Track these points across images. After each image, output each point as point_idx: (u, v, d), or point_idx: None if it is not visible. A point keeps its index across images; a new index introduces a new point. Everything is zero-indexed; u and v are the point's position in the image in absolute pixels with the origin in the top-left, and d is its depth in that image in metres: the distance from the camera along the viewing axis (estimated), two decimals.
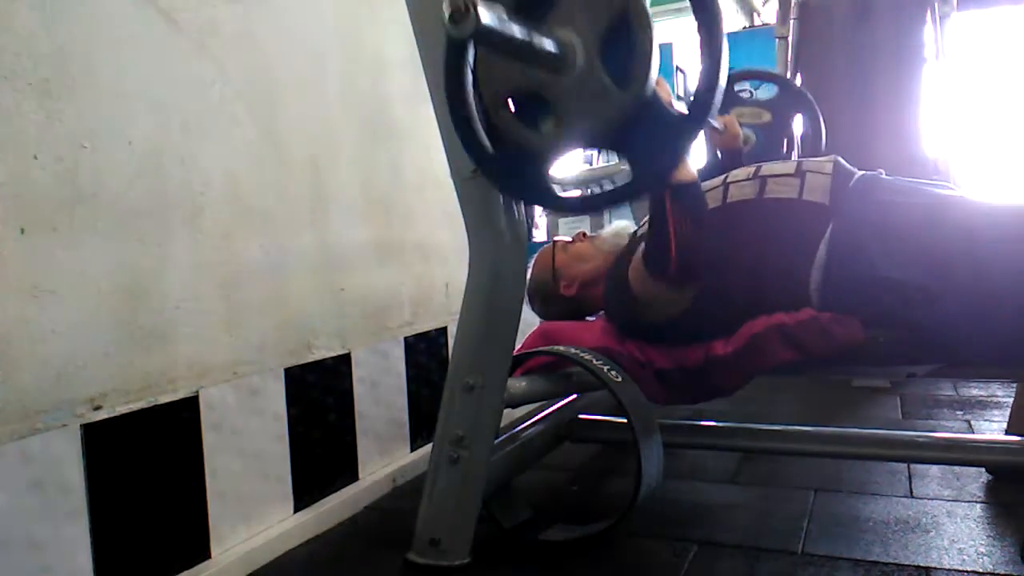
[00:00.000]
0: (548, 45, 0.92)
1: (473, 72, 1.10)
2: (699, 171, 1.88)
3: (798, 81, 3.30)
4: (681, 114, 0.95)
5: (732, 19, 8.55)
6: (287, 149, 1.51)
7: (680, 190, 1.31)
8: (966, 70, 3.97)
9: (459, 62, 1.09)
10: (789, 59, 3.32)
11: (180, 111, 1.27)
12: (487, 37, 0.84)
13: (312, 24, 1.60)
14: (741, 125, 2.12)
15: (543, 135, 1.00)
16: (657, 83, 1.35)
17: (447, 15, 0.78)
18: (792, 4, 3.32)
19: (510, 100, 1.02)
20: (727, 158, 1.96)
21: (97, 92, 1.13)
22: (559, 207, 1.12)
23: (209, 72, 1.34)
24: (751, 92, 2.36)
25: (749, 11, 9.02)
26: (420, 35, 1.28)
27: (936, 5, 3.13)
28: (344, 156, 1.68)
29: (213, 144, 1.34)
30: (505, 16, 0.85)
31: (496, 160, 1.08)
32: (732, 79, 2.29)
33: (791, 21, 3.33)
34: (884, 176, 1.43)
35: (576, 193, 1.09)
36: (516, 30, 0.87)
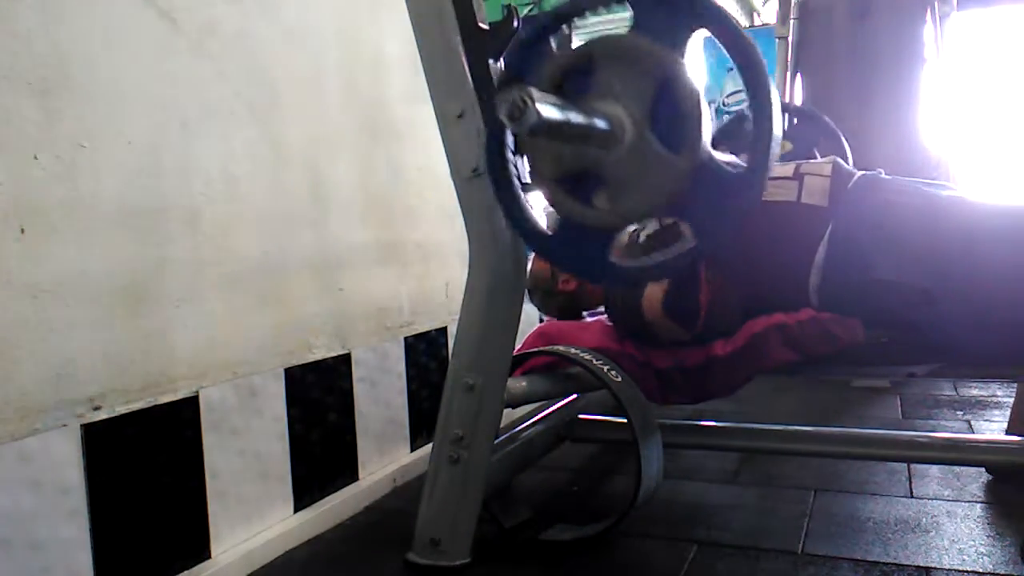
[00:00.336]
0: (600, 123, 0.91)
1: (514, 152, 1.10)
2: None
3: (798, 81, 3.30)
4: (740, 173, 0.93)
5: None
6: (287, 149, 1.51)
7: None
8: (966, 70, 3.97)
9: (500, 149, 1.09)
10: (789, 59, 3.32)
11: (180, 111, 1.27)
12: (546, 128, 0.84)
13: (312, 24, 1.60)
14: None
15: (598, 210, 0.98)
16: None
17: (505, 114, 0.78)
18: (792, 4, 3.32)
19: (563, 181, 1.01)
20: None
21: (97, 92, 1.13)
22: (622, 280, 1.11)
23: (208, 72, 1.34)
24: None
25: (749, 11, 9.02)
26: (420, 35, 1.28)
27: (936, 5, 3.13)
28: (344, 156, 1.68)
29: (213, 144, 1.34)
30: (559, 102, 0.85)
31: (553, 240, 1.07)
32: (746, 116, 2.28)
33: (791, 21, 3.33)
34: (883, 176, 1.43)
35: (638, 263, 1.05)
36: (571, 115, 0.86)
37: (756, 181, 0.93)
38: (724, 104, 5.05)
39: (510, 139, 1.12)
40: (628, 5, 0.98)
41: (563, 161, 0.99)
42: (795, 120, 2.34)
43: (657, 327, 1.43)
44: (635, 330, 1.48)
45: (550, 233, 1.08)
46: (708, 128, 0.92)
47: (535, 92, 0.79)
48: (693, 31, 0.94)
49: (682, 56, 0.93)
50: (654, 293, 1.40)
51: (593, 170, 0.98)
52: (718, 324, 1.36)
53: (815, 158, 2.32)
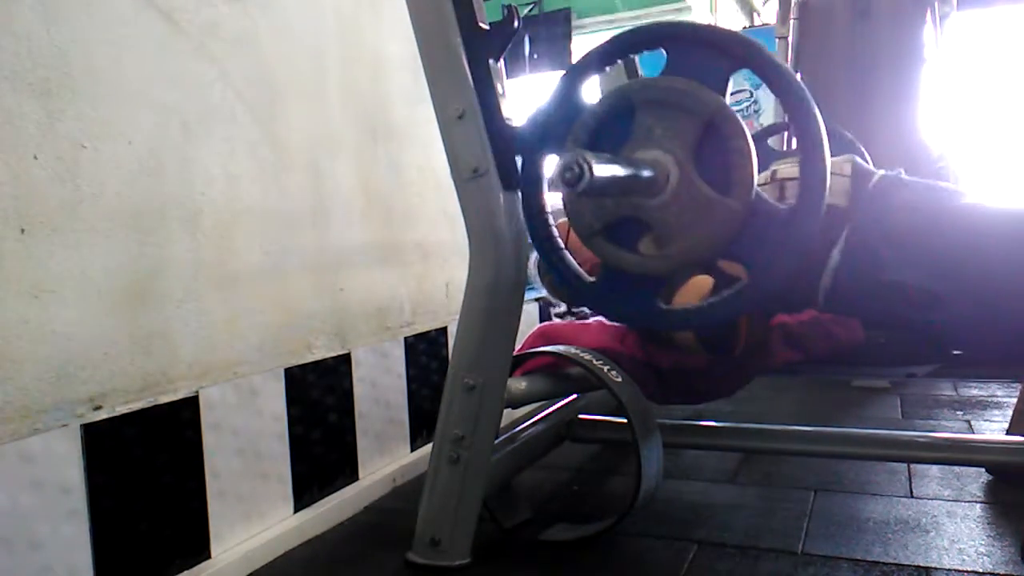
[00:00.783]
0: (645, 173, 0.90)
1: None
2: None
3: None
4: (791, 210, 0.92)
5: (732, 19, 8.56)
6: (287, 149, 1.51)
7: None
8: (966, 70, 3.97)
9: (540, 210, 1.08)
10: (789, 59, 3.32)
11: (180, 111, 1.27)
12: (599, 189, 0.84)
13: (312, 24, 1.60)
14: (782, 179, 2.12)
15: (644, 256, 0.98)
16: None
17: (563, 179, 0.77)
18: (792, 4, 3.32)
19: (606, 231, 1.00)
20: None
21: (97, 92, 1.13)
22: (672, 325, 1.09)
23: (209, 72, 1.34)
24: (751, 92, 2.37)
25: (749, 11, 9.02)
26: (420, 35, 1.28)
27: (936, 5, 3.13)
28: (344, 156, 1.68)
29: (213, 144, 1.34)
30: (610, 159, 0.84)
31: (597, 289, 1.05)
32: (765, 135, 2.27)
33: (791, 21, 3.32)
34: (904, 176, 1.41)
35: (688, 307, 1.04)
36: (620, 171, 0.86)
37: (807, 221, 0.91)
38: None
39: (545, 196, 1.10)
40: (663, 49, 0.96)
41: (606, 211, 0.98)
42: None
43: (683, 345, 1.42)
44: (653, 335, 1.48)
45: (596, 283, 1.06)
46: (756, 169, 0.91)
47: (591, 156, 0.78)
48: (734, 70, 0.93)
49: (724, 95, 0.92)
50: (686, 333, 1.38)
51: (636, 216, 0.96)
52: (754, 352, 1.34)
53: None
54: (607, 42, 1.03)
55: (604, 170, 0.82)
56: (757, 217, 0.92)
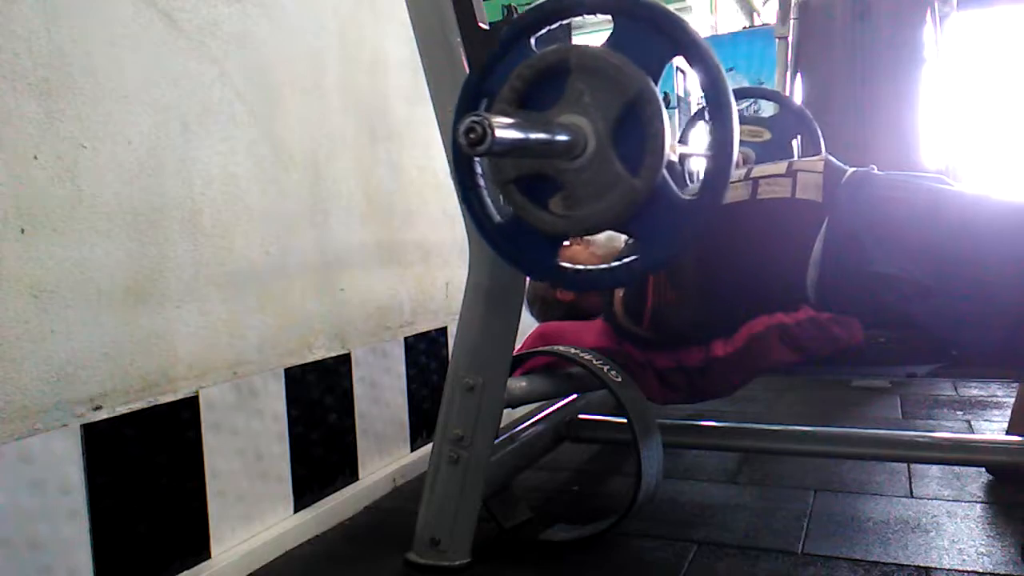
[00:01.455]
0: (561, 138, 0.93)
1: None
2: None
3: (798, 81, 3.30)
4: (691, 200, 0.95)
5: (732, 19, 8.56)
6: (287, 149, 1.51)
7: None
8: (966, 70, 3.97)
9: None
10: (789, 59, 3.32)
11: (180, 111, 1.27)
12: (502, 151, 0.85)
13: (312, 24, 1.60)
14: (741, 143, 2.14)
15: (553, 215, 1.00)
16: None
17: (464, 139, 0.78)
18: (792, 4, 3.32)
19: (520, 181, 1.02)
20: None
21: (97, 92, 1.13)
22: (563, 284, 1.13)
23: (209, 72, 1.34)
24: (756, 104, 2.38)
25: (749, 11, 9.03)
26: (420, 35, 1.28)
27: (936, 5, 3.13)
28: (344, 156, 1.68)
29: (213, 144, 1.34)
30: (520, 122, 0.86)
31: (503, 231, 1.08)
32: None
33: (791, 21, 3.33)
34: (876, 172, 1.44)
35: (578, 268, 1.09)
36: (531, 135, 0.87)
37: (702, 215, 0.95)
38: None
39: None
40: (612, 18, 0.98)
41: (524, 163, 1.01)
42: (777, 108, 2.34)
43: (624, 327, 1.45)
44: (623, 332, 1.50)
45: (503, 226, 1.09)
46: (667, 157, 0.94)
47: (495, 119, 0.79)
48: (670, 58, 0.95)
49: (655, 81, 0.94)
50: (618, 293, 1.44)
51: (552, 175, 0.99)
52: (662, 326, 1.38)
53: (792, 152, 2.34)
54: (551, 2, 1.04)
55: (508, 133, 0.83)
56: (659, 201, 0.96)
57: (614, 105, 0.94)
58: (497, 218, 1.09)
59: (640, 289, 1.34)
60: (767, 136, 2.27)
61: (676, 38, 0.94)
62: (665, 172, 0.95)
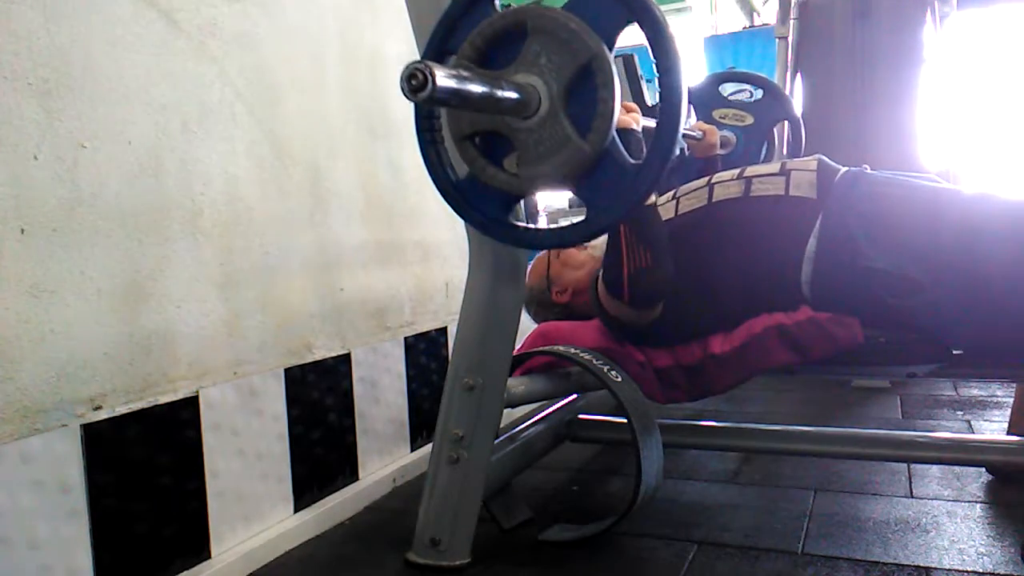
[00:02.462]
0: (510, 94, 0.95)
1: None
2: (676, 174, 1.90)
3: (798, 81, 3.30)
4: (637, 164, 0.99)
5: (732, 19, 8.56)
6: (287, 149, 1.51)
7: (634, 213, 1.31)
8: (966, 70, 3.97)
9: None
10: (789, 59, 3.32)
11: (180, 111, 1.27)
12: (444, 100, 0.87)
13: (312, 24, 1.60)
14: (723, 126, 2.16)
15: (505, 172, 1.03)
16: (626, 108, 1.36)
17: (406, 85, 0.80)
18: (792, 4, 3.33)
19: (476, 137, 1.05)
20: (704, 165, 2.00)
21: (97, 92, 1.13)
22: (513, 241, 1.15)
23: (209, 72, 1.34)
24: (751, 93, 2.38)
25: (749, 11, 9.03)
26: (420, 34, 1.28)
27: (936, 5, 3.13)
28: (344, 156, 1.68)
29: (213, 144, 1.34)
30: (459, 73, 0.87)
31: (460, 188, 1.11)
32: (718, 81, 2.34)
33: (791, 21, 3.33)
34: (869, 171, 1.44)
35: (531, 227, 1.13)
36: (474, 87, 0.89)
37: (649, 177, 0.98)
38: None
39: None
40: None
41: (480, 121, 1.03)
42: (761, 93, 2.34)
43: (609, 310, 1.45)
44: (605, 320, 1.50)
45: (460, 182, 1.11)
46: (616, 122, 0.96)
47: (437, 67, 0.81)
48: (625, 24, 0.97)
49: (610, 47, 0.96)
50: (599, 275, 1.44)
51: (506, 134, 1.01)
52: (643, 298, 1.38)
53: (773, 138, 2.36)
54: None
55: (450, 83, 0.84)
56: (606, 164, 0.99)
57: (568, 68, 0.96)
58: (454, 175, 1.11)
59: (614, 261, 1.35)
60: (749, 120, 2.29)
61: (631, 5, 0.95)
62: (615, 135, 0.98)
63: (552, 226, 1.10)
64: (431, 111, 1.11)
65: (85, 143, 1.11)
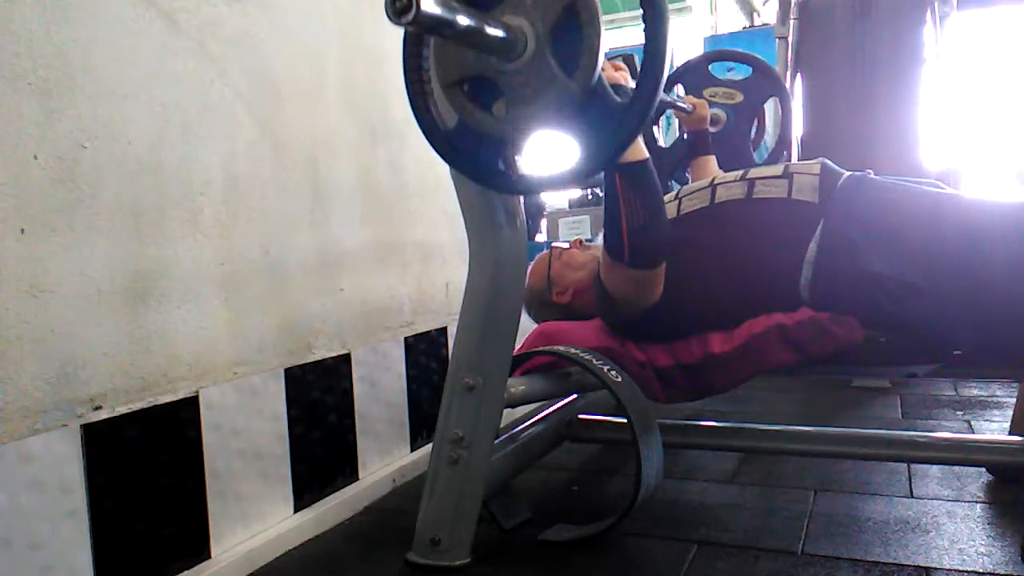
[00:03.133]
0: (497, 31, 0.95)
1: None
2: (666, 148, 1.91)
3: (798, 81, 3.30)
4: (624, 104, 0.98)
5: (732, 19, 8.56)
6: (287, 149, 1.51)
7: (630, 170, 1.32)
8: (966, 70, 3.97)
9: (417, 51, 1.12)
10: (789, 59, 3.32)
11: (180, 111, 1.27)
12: (430, 26, 0.87)
13: (312, 24, 1.60)
14: (713, 104, 2.17)
15: (495, 118, 1.03)
16: (615, 67, 1.37)
17: (391, 8, 0.81)
18: (792, 4, 3.33)
19: (464, 83, 1.05)
20: (694, 139, 2.03)
21: (97, 92, 1.13)
22: (505, 188, 1.14)
23: (209, 72, 1.34)
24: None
25: (749, 11, 9.02)
26: None
27: (936, 5, 3.13)
28: (344, 156, 1.68)
29: (213, 144, 1.34)
30: (451, 4, 0.88)
31: (450, 138, 1.10)
32: (709, 59, 2.35)
33: (791, 21, 3.33)
34: (872, 176, 1.45)
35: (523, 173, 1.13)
36: (460, 18, 0.89)
37: (638, 112, 0.98)
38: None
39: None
40: None
41: (467, 65, 1.03)
42: (750, 71, 2.35)
43: (613, 289, 1.44)
44: (608, 311, 1.50)
45: (450, 132, 1.11)
46: (602, 58, 0.97)
47: None
48: None
49: None
50: (602, 248, 1.43)
51: (493, 78, 1.01)
52: (645, 253, 1.38)
53: (763, 115, 2.38)
54: None
55: (435, 9, 0.85)
56: (593, 103, 0.98)
57: (553, 8, 0.96)
58: (444, 126, 1.11)
59: (614, 220, 1.35)
60: (739, 98, 2.30)
61: None
62: (602, 75, 0.98)
63: (545, 173, 1.08)
64: (419, 60, 1.10)
65: (85, 143, 1.11)
